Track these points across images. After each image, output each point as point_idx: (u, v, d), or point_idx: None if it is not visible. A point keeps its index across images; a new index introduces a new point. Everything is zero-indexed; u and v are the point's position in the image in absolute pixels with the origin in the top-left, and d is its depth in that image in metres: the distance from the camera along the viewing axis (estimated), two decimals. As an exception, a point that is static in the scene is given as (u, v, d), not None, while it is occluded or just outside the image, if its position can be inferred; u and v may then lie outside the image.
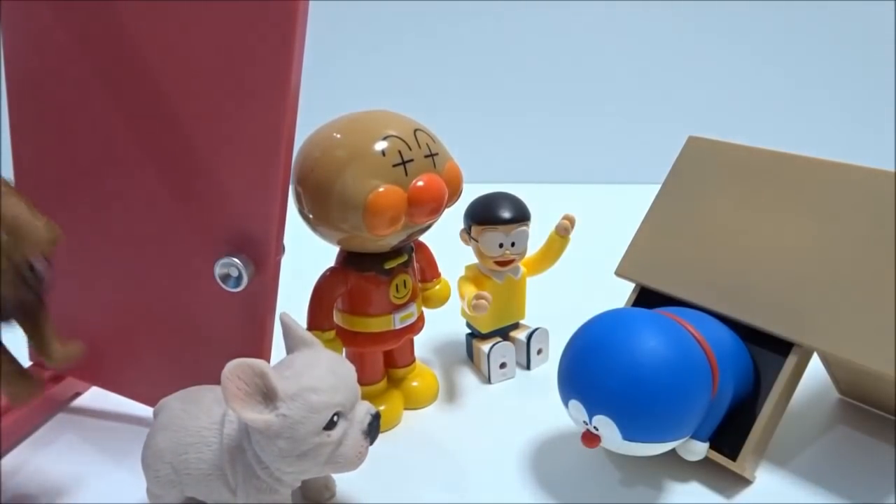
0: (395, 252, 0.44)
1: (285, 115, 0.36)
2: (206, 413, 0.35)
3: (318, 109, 0.44)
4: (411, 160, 0.40)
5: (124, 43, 0.38)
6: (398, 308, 0.45)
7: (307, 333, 0.35)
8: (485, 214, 0.48)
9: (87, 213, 0.42)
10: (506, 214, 0.48)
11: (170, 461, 0.34)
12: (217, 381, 0.31)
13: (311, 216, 0.41)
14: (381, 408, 0.44)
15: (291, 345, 0.35)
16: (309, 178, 0.40)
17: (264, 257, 0.38)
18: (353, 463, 0.33)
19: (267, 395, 0.31)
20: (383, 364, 0.47)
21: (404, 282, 0.45)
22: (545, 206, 0.54)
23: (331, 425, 0.31)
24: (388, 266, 0.44)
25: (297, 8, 0.34)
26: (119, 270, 0.42)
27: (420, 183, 0.39)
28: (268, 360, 0.41)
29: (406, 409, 0.48)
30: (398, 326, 0.45)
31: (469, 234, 0.49)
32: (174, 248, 0.40)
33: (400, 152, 0.39)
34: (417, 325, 0.47)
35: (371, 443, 0.33)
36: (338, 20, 1.03)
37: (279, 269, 0.39)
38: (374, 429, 0.33)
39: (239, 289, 0.38)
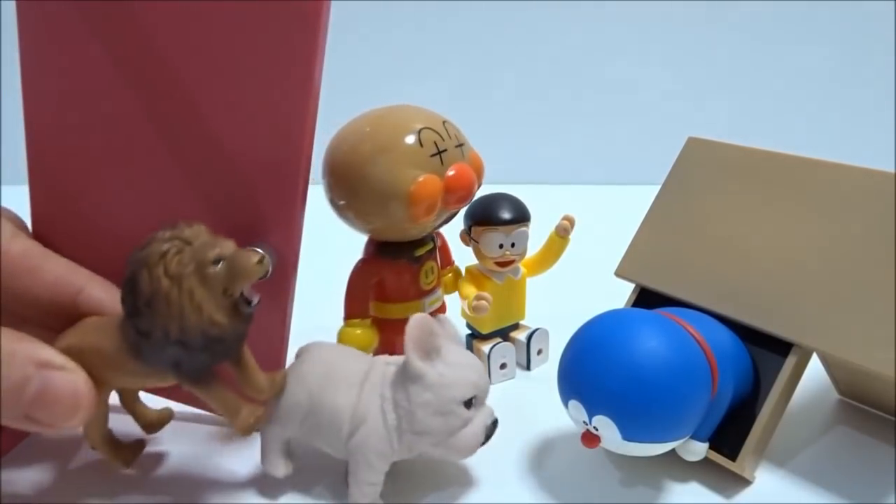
0: (422, 241, 0.46)
1: (308, 107, 0.37)
2: (354, 360, 0.39)
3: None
4: (445, 150, 0.42)
5: (148, 35, 0.38)
6: (427, 293, 0.47)
7: (458, 333, 0.41)
8: (485, 215, 0.48)
9: (110, 203, 0.42)
10: (506, 215, 0.48)
11: (310, 389, 0.37)
12: None
13: (347, 206, 0.42)
14: None
15: (447, 339, 0.38)
16: (347, 170, 0.41)
17: (287, 246, 0.39)
18: (467, 450, 0.37)
19: (433, 353, 0.36)
20: None
21: (432, 268, 0.47)
22: (545, 208, 0.54)
23: (468, 404, 0.36)
24: (417, 254, 0.45)
25: (321, 7, 0.36)
26: None
27: (451, 172, 0.42)
28: (286, 343, 0.42)
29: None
30: (427, 311, 0.47)
31: (469, 234, 0.49)
32: None
33: (435, 143, 0.41)
34: (441, 310, 0.49)
35: (484, 442, 0.37)
36: (337, 20, 1.03)
37: (299, 256, 0.40)
38: (492, 430, 0.37)
39: (263, 277, 0.39)
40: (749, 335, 0.40)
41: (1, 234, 0.37)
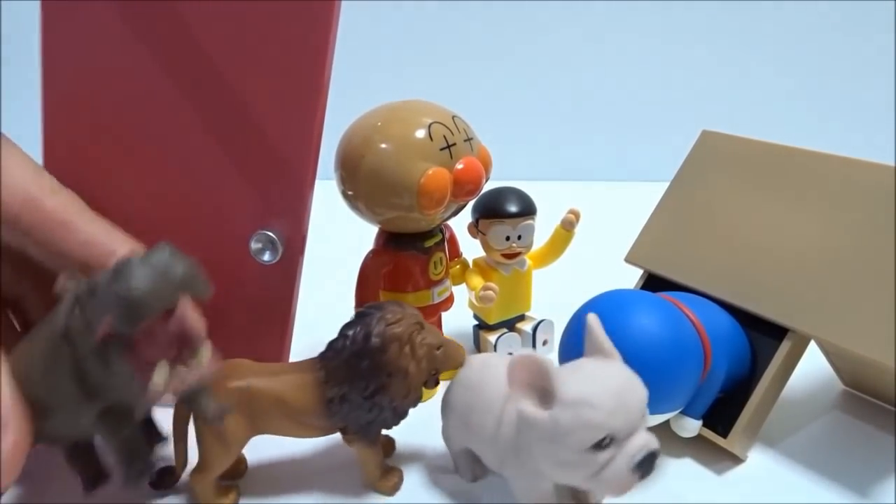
0: (431, 232, 0.47)
1: (319, 100, 0.39)
2: (498, 383, 0.35)
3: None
4: (454, 144, 0.43)
5: (168, 33, 0.40)
6: (436, 284, 0.48)
7: (610, 344, 0.33)
8: (492, 208, 0.49)
9: (126, 188, 0.43)
10: (513, 208, 0.49)
11: (459, 415, 0.37)
12: (240, 354, 0.35)
13: (357, 198, 0.44)
14: None
15: (590, 349, 0.33)
16: (360, 163, 0.42)
17: (295, 232, 0.41)
18: (616, 491, 0.31)
19: (545, 394, 0.31)
20: None
21: (440, 259, 0.48)
22: (551, 202, 0.55)
23: (598, 447, 0.29)
24: (427, 245, 0.47)
25: (332, 7, 0.38)
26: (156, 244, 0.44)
27: (460, 165, 0.43)
28: (290, 332, 0.43)
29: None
30: (436, 301, 0.48)
31: (477, 227, 0.51)
32: (211, 224, 0.42)
33: (445, 137, 0.43)
34: (450, 300, 0.50)
35: (641, 478, 0.30)
36: (352, 16, 1.05)
37: (305, 244, 0.42)
38: (646, 466, 0.30)
39: (272, 262, 0.41)
40: (750, 321, 0.41)
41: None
